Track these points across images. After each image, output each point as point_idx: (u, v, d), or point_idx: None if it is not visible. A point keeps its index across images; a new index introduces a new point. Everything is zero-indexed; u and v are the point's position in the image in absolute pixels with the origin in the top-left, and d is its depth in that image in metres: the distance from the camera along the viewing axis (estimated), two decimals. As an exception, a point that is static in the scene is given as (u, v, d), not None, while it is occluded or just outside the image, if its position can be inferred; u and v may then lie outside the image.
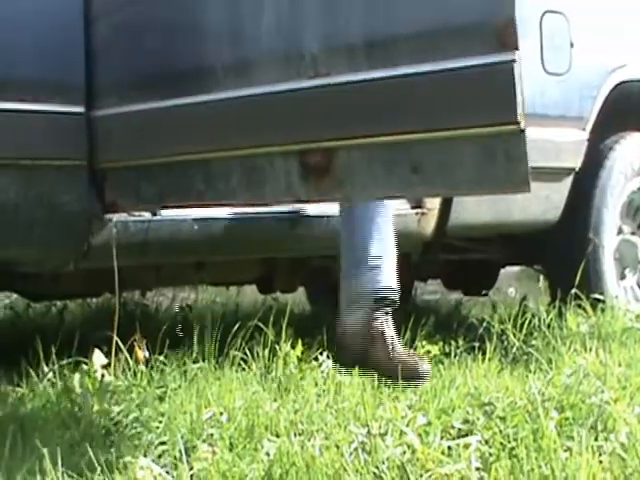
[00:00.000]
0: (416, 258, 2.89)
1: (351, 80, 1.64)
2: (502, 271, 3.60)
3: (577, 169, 2.91)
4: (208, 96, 1.85)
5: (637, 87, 3.07)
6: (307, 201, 2.10)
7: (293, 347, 2.27)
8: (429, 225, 2.69)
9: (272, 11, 1.73)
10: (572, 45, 2.77)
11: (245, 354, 2.24)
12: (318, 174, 1.69)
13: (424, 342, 2.57)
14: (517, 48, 1.46)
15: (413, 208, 2.65)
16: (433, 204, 2.67)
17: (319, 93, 1.68)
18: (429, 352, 2.54)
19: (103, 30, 2.05)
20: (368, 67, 1.62)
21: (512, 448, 1.59)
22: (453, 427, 1.77)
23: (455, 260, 3.24)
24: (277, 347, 2.23)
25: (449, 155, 1.56)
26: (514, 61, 1.46)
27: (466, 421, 1.79)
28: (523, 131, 1.46)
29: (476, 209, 2.70)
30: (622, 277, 3.13)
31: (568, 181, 2.93)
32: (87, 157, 2.04)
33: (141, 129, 2.03)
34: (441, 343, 2.61)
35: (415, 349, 2.51)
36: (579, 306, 2.79)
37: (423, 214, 2.65)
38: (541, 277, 3.33)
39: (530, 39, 2.71)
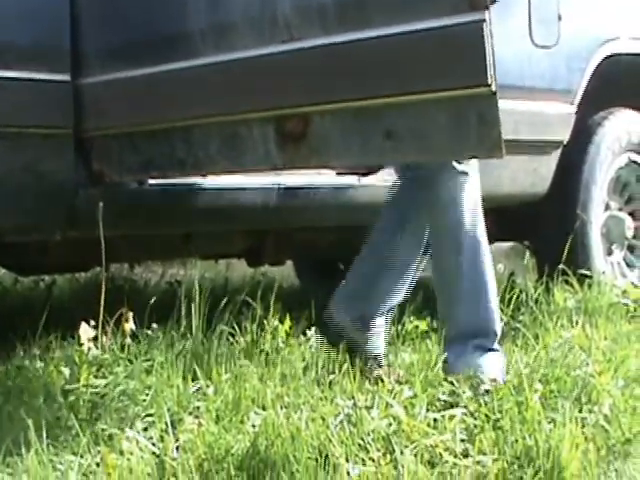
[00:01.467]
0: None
1: (323, 43, 1.64)
2: (491, 248, 3.60)
3: (565, 142, 2.91)
4: (188, 62, 1.85)
5: (627, 60, 3.07)
6: (284, 168, 2.06)
7: (281, 322, 2.27)
8: None
9: None
10: (560, 18, 2.76)
11: (233, 328, 2.24)
12: (294, 141, 1.70)
13: (412, 317, 2.57)
14: (487, 8, 1.44)
15: None
16: None
17: (293, 57, 1.68)
18: (417, 327, 2.55)
19: None
20: (339, 30, 1.61)
21: (497, 420, 1.60)
22: (439, 400, 1.77)
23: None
24: (265, 322, 2.23)
25: (422, 120, 1.55)
26: (483, 21, 1.43)
27: (452, 393, 1.79)
28: (495, 93, 1.45)
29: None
30: (609, 253, 3.14)
31: (556, 154, 2.93)
32: (74, 126, 2.03)
33: (124, 97, 2.02)
34: (429, 318, 2.62)
35: (403, 324, 2.52)
36: (566, 282, 2.80)
37: None
38: (527, 253, 3.34)
39: (518, 11, 2.70)
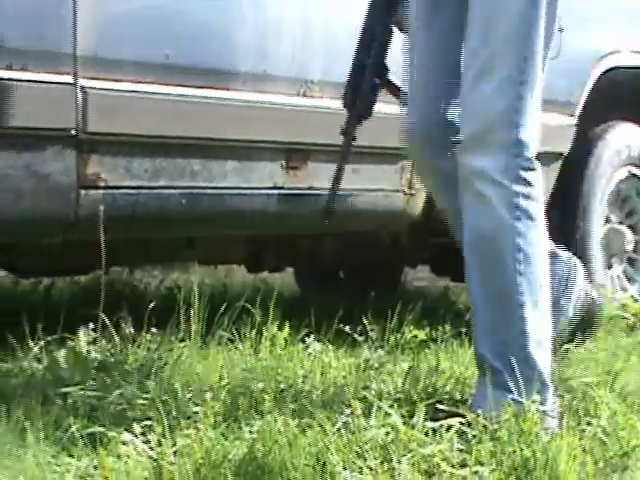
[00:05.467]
0: (404, 239, 2.91)
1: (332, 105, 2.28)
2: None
3: (565, 154, 2.92)
4: (221, 93, 2.23)
5: (627, 74, 3.07)
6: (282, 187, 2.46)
7: (280, 329, 2.27)
8: (417, 206, 2.70)
9: (288, 41, 2.35)
10: (562, 30, 2.76)
11: (232, 334, 2.24)
12: (296, 168, 2.39)
13: (411, 327, 2.57)
14: None
15: (402, 188, 2.65)
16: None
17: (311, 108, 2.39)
18: (416, 337, 2.54)
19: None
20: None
21: (495, 430, 1.60)
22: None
23: (443, 245, 3.24)
24: (264, 328, 2.23)
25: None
26: None
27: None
28: None
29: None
30: (609, 266, 3.14)
31: (557, 166, 2.94)
32: (76, 128, 2.02)
33: (140, 107, 2.07)
34: (428, 328, 2.62)
35: (402, 334, 2.52)
36: (566, 293, 2.80)
37: (412, 195, 2.66)
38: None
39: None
